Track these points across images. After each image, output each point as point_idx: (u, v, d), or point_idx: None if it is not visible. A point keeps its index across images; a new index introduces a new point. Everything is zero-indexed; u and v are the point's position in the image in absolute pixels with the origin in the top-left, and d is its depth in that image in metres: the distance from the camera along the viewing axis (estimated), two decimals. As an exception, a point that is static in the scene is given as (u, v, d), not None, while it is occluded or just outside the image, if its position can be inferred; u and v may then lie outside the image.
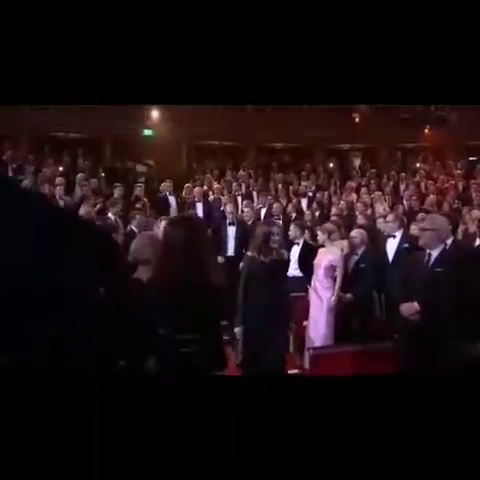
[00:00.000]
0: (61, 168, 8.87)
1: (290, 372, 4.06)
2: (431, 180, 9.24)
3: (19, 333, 1.33)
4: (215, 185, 8.54)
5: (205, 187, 8.33)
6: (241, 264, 3.89)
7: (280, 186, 9.13)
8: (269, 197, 7.82)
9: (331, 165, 11.66)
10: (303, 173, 9.98)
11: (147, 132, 11.40)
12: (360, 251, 4.77)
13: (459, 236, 5.19)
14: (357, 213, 6.96)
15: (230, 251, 5.87)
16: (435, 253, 3.33)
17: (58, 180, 7.34)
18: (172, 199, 7.71)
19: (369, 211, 7.23)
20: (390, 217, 5.24)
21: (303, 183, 9.10)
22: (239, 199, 8.05)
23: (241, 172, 9.61)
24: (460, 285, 2.85)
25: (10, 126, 9.45)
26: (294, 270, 5.23)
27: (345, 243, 4.94)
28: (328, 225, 5.06)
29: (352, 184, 9.11)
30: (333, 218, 6.19)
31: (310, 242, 5.40)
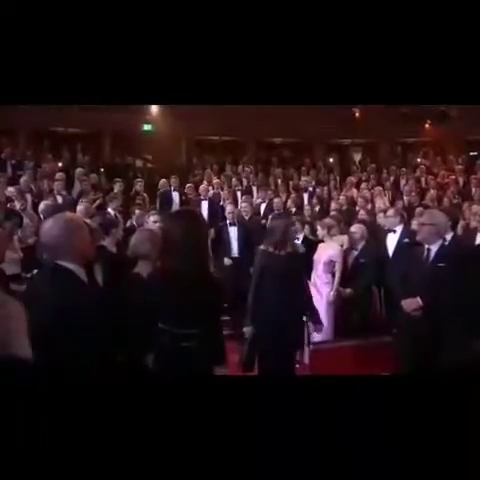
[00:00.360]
0: (60, 164, 8.85)
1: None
2: (431, 175, 9.22)
3: None
4: (214, 180, 8.52)
5: (205, 182, 8.32)
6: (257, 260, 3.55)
7: (280, 181, 9.11)
8: (269, 192, 7.80)
9: (331, 160, 11.63)
10: (303, 168, 9.96)
11: (146, 127, 11.37)
12: (360, 246, 4.77)
13: (459, 231, 5.19)
14: (357, 208, 6.95)
15: (234, 252, 5.77)
16: (434, 248, 3.33)
17: (58, 175, 7.32)
18: (175, 195, 7.68)
19: (369, 206, 7.22)
20: (390, 212, 5.23)
21: (303, 178, 9.08)
22: (239, 194, 8.03)
23: (245, 168, 9.59)
24: (459, 280, 2.85)
25: (9, 121, 9.41)
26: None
27: (345, 238, 4.94)
28: (328, 220, 5.05)
29: (352, 179, 9.10)
30: (333, 213, 6.18)
31: (310, 237, 5.40)
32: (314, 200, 7.77)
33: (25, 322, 1.52)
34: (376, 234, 5.31)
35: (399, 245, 4.82)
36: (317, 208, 7.30)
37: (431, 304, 3.11)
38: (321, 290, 4.60)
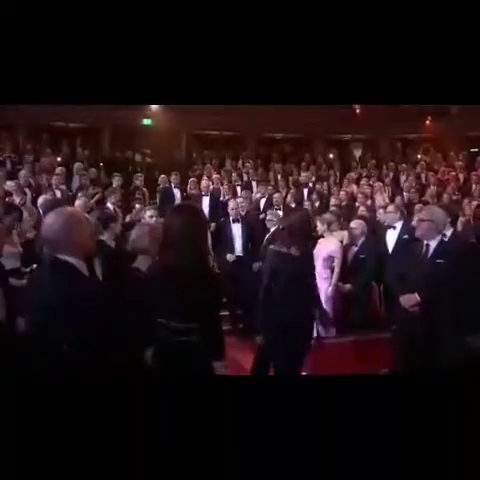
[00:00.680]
0: (59, 158, 8.82)
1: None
2: (432, 171, 9.21)
3: None
4: (214, 175, 8.50)
5: (205, 177, 8.30)
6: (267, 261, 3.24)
7: (280, 176, 9.10)
8: (269, 187, 7.78)
9: (331, 156, 11.60)
10: (303, 163, 9.94)
11: (146, 121, 11.34)
12: (360, 242, 4.77)
13: (459, 228, 5.18)
14: (357, 204, 6.94)
15: (237, 249, 5.66)
16: (433, 244, 3.33)
17: (58, 170, 7.31)
18: (177, 192, 7.65)
19: (369, 202, 7.21)
20: (390, 208, 5.22)
21: (303, 173, 9.06)
22: (238, 189, 8.02)
23: (245, 163, 9.56)
24: (457, 277, 2.85)
25: (8, 116, 9.37)
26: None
27: (345, 234, 4.94)
28: (328, 216, 5.04)
29: (352, 175, 9.09)
30: (332, 209, 6.17)
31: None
32: (314, 196, 7.76)
33: None
34: (376, 230, 5.31)
35: (399, 241, 4.82)
36: (317, 204, 7.29)
37: (429, 300, 3.12)
38: (320, 286, 4.59)
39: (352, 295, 4.63)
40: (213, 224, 6.01)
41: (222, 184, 8.18)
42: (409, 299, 3.27)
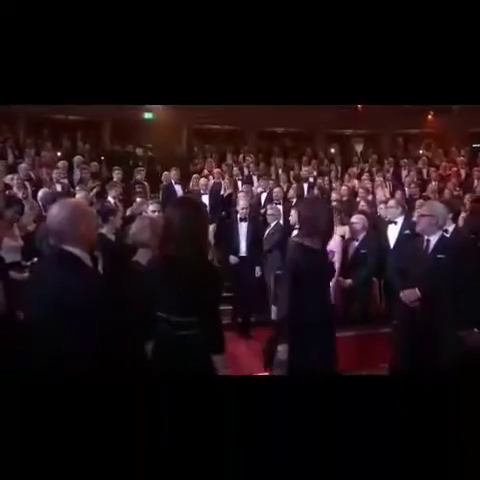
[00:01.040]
0: (59, 153, 8.80)
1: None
2: (433, 167, 9.18)
3: None
4: (215, 169, 8.48)
5: (206, 171, 8.26)
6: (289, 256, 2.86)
7: (281, 171, 9.07)
8: (270, 182, 7.77)
9: (332, 150, 11.57)
10: (304, 158, 9.91)
11: (147, 115, 11.31)
12: (361, 237, 4.76)
13: (460, 224, 5.17)
14: (358, 199, 6.92)
15: (242, 250, 5.51)
16: (433, 239, 3.32)
17: (60, 164, 7.30)
18: (178, 188, 7.63)
19: (370, 197, 7.19)
20: (392, 202, 5.21)
21: (304, 168, 9.04)
22: (239, 184, 8.00)
23: (246, 157, 9.53)
24: (457, 272, 2.85)
25: (9, 109, 9.34)
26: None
27: (346, 229, 4.93)
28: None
29: (353, 170, 9.07)
30: (334, 203, 6.16)
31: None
32: (315, 190, 7.74)
33: None
34: (377, 225, 5.30)
35: (400, 236, 4.82)
36: (318, 198, 7.27)
37: (429, 296, 3.11)
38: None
39: (352, 290, 4.63)
40: (213, 220, 5.96)
41: (223, 178, 8.16)
42: (409, 294, 3.27)
